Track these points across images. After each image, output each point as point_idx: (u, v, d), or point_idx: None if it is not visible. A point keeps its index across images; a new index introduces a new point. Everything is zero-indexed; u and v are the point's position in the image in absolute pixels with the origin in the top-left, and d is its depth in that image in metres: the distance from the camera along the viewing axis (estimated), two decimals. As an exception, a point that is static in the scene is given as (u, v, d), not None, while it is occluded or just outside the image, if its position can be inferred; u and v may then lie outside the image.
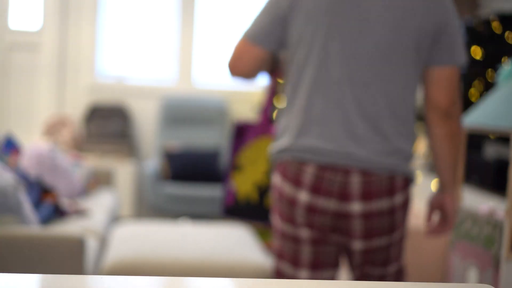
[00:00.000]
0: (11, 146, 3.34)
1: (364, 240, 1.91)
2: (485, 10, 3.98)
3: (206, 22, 5.72)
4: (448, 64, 1.92)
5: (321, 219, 1.90)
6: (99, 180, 4.45)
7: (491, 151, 3.31)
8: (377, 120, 1.87)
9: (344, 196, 1.88)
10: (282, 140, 1.96)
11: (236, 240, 3.01)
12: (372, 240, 1.91)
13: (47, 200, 3.26)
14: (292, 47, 1.93)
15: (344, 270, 3.19)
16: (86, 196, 4.13)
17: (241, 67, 1.99)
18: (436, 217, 2.08)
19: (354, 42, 1.85)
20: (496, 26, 3.32)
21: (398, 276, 2.01)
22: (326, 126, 1.88)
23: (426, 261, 3.72)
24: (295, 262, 1.96)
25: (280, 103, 2.06)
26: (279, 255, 2.01)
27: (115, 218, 4.12)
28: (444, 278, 3.59)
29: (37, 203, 3.20)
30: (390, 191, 1.90)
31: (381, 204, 1.89)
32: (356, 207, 1.88)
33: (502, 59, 3.28)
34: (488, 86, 3.36)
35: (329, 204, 1.89)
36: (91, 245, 2.99)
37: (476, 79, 3.45)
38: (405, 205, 1.95)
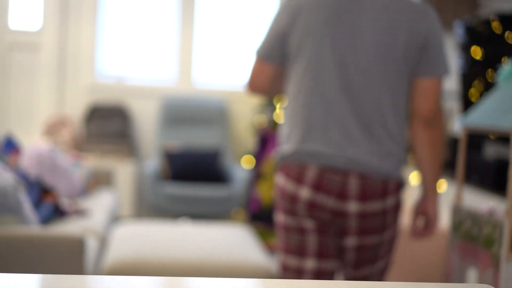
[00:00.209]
0: (11, 146, 3.34)
1: (358, 237, 2.05)
2: (485, 10, 3.98)
3: (206, 22, 5.72)
4: (432, 75, 2.07)
5: (321, 214, 2.04)
6: (99, 180, 4.45)
7: (491, 151, 3.32)
8: (370, 126, 2.02)
9: (342, 195, 2.02)
10: (286, 146, 2.10)
11: (236, 240, 3.01)
12: (365, 237, 2.05)
13: (47, 200, 3.26)
14: (292, 59, 2.08)
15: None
16: (86, 196, 4.13)
17: (257, 84, 2.18)
18: (420, 222, 2.23)
19: (347, 54, 2.01)
20: (496, 26, 3.32)
21: (382, 274, 2.15)
22: (326, 132, 2.02)
23: (426, 261, 3.72)
24: (301, 252, 2.07)
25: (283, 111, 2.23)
26: (285, 250, 2.11)
27: (115, 218, 4.12)
28: (444, 278, 3.58)
29: (37, 203, 3.20)
30: (383, 194, 2.03)
31: (375, 205, 2.03)
32: (352, 206, 2.02)
33: (502, 59, 3.28)
34: (488, 86, 3.36)
35: (328, 201, 2.02)
36: (91, 245, 2.99)
37: (476, 79, 3.44)
38: (397, 207, 2.08)
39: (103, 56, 5.69)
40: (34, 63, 5.60)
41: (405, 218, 4.01)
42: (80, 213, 3.51)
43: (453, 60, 4.14)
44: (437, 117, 2.10)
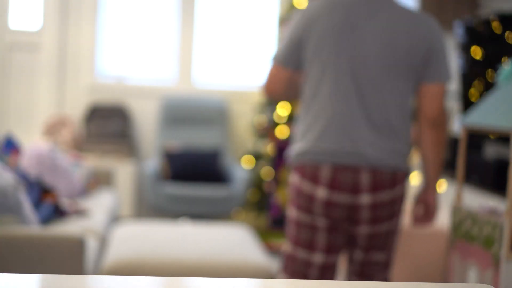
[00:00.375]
0: (11, 146, 3.34)
1: (370, 225, 2.25)
2: (485, 10, 3.98)
3: (206, 22, 5.72)
4: (437, 81, 2.28)
5: (337, 211, 2.23)
6: (99, 180, 4.45)
7: (491, 151, 3.31)
8: (379, 127, 2.23)
9: (355, 190, 2.21)
10: (300, 144, 2.28)
11: (236, 240, 3.01)
12: (376, 226, 2.25)
13: (47, 200, 3.26)
14: (308, 64, 2.28)
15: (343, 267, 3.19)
16: (86, 196, 4.13)
17: (274, 88, 2.37)
18: (420, 211, 2.44)
19: (357, 61, 2.22)
20: (496, 26, 3.32)
21: (389, 263, 2.36)
22: (339, 132, 2.22)
23: (426, 261, 3.72)
24: (311, 247, 2.27)
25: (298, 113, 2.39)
26: (295, 243, 2.29)
27: (115, 218, 4.12)
28: (444, 278, 3.58)
29: (37, 203, 3.20)
30: (393, 184, 2.24)
31: (385, 195, 2.23)
32: (365, 199, 2.22)
33: (502, 59, 3.28)
34: (488, 86, 3.36)
35: (342, 198, 2.22)
36: (91, 245, 2.99)
37: (476, 79, 3.44)
38: (403, 196, 2.30)
39: (103, 56, 5.69)
40: (34, 63, 5.59)
41: (406, 219, 4.01)
42: (80, 213, 3.51)
43: (453, 60, 4.14)
44: (442, 119, 2.32)
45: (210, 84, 5.77)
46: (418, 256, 3.71)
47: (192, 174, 5.17)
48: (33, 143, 4.14)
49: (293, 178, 2.29)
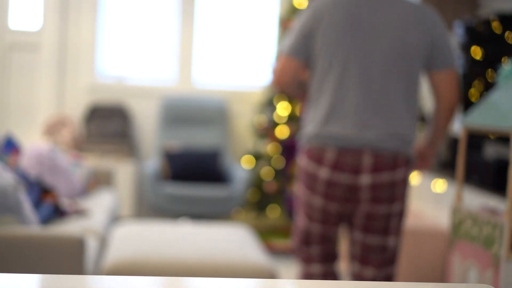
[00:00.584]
0: (11, 146, 3.34)
1: (369, 204, 2.41)
2: (485, 10, 3.98)
3: (206, 22, 5.72)
4: (449, 67, 2.47)
5: (337, 190, 2.42)
6: (99, 180, 4.45)
7: (491, 151, 3.31)
8: (382, 112, 2.39)
9: (356, 170, 2.39)
10: (309, 128, 2.48)
11: (236, 240, 3.01)
12: (375, 205, 2.41)
13: (47, 200, 3.26)
14: (316, 55, 2.46)
15: (344, 262, 3.19)
16: (86, 196, 4.13)
17: (284, 79, 2.53)
18: (419, 158, 2.65)
19: (364, 51, 2.39)
20: (496, 26, 3.32)
21: (396, 251, 2.49)
22: (344, 117, 2.40)
23: (426, 261, 3.72)
24: (311, 218, 2.52)
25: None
26: (301, 214, 2.55)
27: (115, 218, 4.12)
28: (444, 278, 3.58)
29: (37, 203, 3.20)
30: (393, 167, 2.40)
31: (385, 176, 2.39)
32: (365, 179, 2.39)
33: (502, 59, 3.28)
34: (488, 86, 3.36)
35: (343, 177, 2.40)
36: (91, 245, 2.99)
37: (476, 79, 3.44)
38: (405, 181, 2.44)
39: (103, 56, 5.69)
40: (34, 63, 5.59)
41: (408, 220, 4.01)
42: (80, 213, 3.51)
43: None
44: (458, 102, 2.52)
45: (210, 84, 5.77)
46: (418, 256, 3.71)
47: (192, 174, 5.16)
48: (33, 143, 4.14)
49: (301, 160, 2.52)
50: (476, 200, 3.21)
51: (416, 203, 4.35)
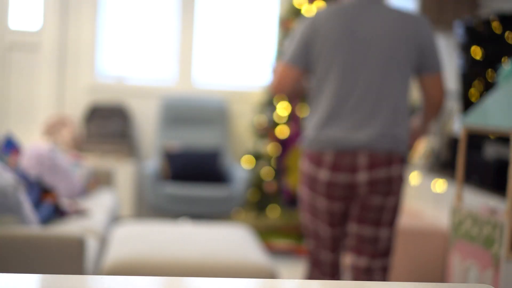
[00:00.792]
0: (11, 146, 3.34)
1: (364, 196, 2.56)
2: (485, 10, 3.98)
3: (206, 22, 5.72)
4: (436, 70, 2.64)
5: (337, 190, 2.58)
6: (99, 180, 4.45)
7: (491, 151, 3.31)
8: (377, 115, 2.55)
9: (353, 169, 2.55)
10: (309, 132, 2.64)
11: (236, 240, 3.01)
12: (370, 196, 2.56)
13: (47, 200, 3.26)
14: (314, 63, 2.62)
15: (347, 255, 3.19)
16: (86, 196, 4.13)
17: (283, 86, 2.68)
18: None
19: (359, 58, 2.56)
20: (496, 26, 3.31)
21: (389, 244, 2.63)
22: (342, 120, 2.57)
23: (426, 261, 3.72)
24: (315, 216, 2.68)
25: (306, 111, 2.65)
26: (306, 213, 2.70)
27: (115, 218, 4.12)
28: (444, 278, 3.58)
29: (37, 203, 3.20)
30: (389, 163, 2.55)
31: (381, 172, 2.55)
32: (362, 177, 2.55)
33: (502, 59, 3.28)
34: (488, 86, 3.36)
35: (341, 177, 2.56)
36: (91, 245, 2.99)
37: (476, 79, 3.44)
38: (400, 179, 2.59)
39: (103, 56, 5.69)
40: (34, 63, 5.59)
41: (402, 219, 4.01)
42: (80, 213, 3.51)
43: (453, 60, 4.13)
44: (443, 102, 2.70)
45: (210, 84, 5.77)
46: (418, 256, 3.71)
47: (192, 174, 5.16)
48: (33, 143, 4.14)
49: (303, 163, 2.68)
50: (476, 200, 3.21)
51: (416, 203, 4.35)
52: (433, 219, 3.99)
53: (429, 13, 4.07)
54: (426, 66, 2.62)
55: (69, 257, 2.58)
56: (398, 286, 1.07)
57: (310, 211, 2.68)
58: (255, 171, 5.15)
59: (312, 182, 2.62)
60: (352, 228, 2.63)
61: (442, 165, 4.02)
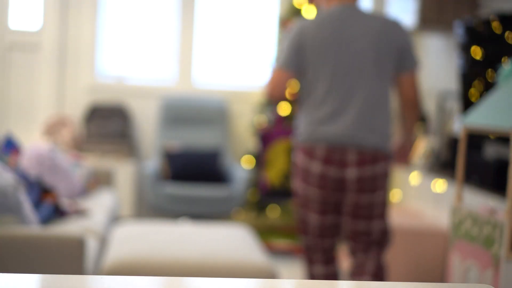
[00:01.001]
0: (11, 146, 3.34)
1: (355, 194, 2.81)
2: (485, 10, 3.98)
3: (206, 22, 5.72)
4: (410, 69, 2.89)
5: (328, 182, 2.82)
6: (99, 180, 4.45)
7: (491, 151, 3.31)
8: (364, 113, 2.80)
9: (342, 164, 2.80)
10: (302, 130, 2.87)
11: (236, 240, 3.01)
12: (360, 195, 2.81)
13: (47, 200, 3.26)
14: (305, 67, 2.85)
15: (346, 255, 3.19)
16: (86, 196, 4.13)
17: (277, 90, 2.88)
18: (399, 152, 3.04)
19: (345, 61, 2.81)
20: (496, 26, 3.31)
21: (383, 236, 2.88)
22: (332, 119, 2.81)
23: (426, 261, 3.72)
24: (308, 208, 2.90)
25: (297, 108, 2.91)
26: (302, 205, 2.92)
27: (115, 218, 4.12)
28: (444, 278, 3.58)
29: (37, 203, 3.20)
30: (374, 161, 2.80)
31: (367, 170, 2.80)
32: (351, 173, 2.80)
33: (502, 59, 3.28)
34: (488, 86, 3.36)
35: (333, 171, 2.81)
36: (91, 245, 2.99)
37: (476, 79, 3.44)
38: (385, 174, 2.84)
39: (103, 56, 5.69)
40: (34, 63, 5.59)
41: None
42: (80, 213, 3.51)
43: (453, 60, 4.13)
44: (418, 98, 2.92)
45: (210, 84, 5.77)
46: (418, 256, 3.71)
47: (192, 174, 5.16)
48: (33, 143, 4.14)
49: (297, 157, 2.90)
50: (476, 200, 3.21)
51: (416, 203, 4.35)
52: (433, 219, 3.99)
53: (429, 13, 4.08)
54: (405, 65, 2.87)
55: (69, 257, 2.58)
56: (398, 286, 1.07)
57: (303, 203, 2.90)
58: (255, 171, 5.15)
59: (305, 174, 2.86)
60: (347, 221, 2.89)
61: (442, 165, 4.02)
